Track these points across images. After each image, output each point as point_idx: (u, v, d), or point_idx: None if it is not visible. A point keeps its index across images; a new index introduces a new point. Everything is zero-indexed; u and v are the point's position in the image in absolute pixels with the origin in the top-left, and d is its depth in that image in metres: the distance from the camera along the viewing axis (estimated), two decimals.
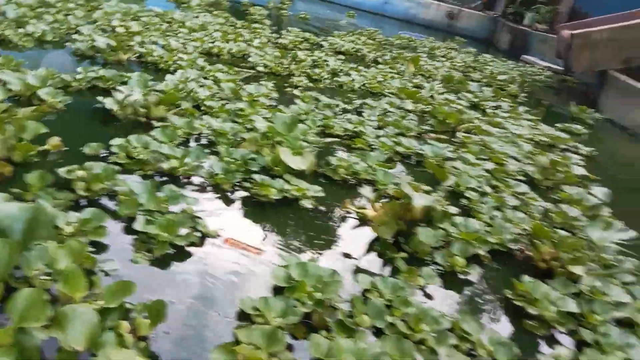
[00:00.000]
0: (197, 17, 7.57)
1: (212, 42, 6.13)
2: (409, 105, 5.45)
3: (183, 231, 2.25)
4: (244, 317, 1.88)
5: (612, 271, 2.66)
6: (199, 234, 2.33)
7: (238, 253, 2.32)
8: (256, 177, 2.92)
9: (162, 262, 2.13)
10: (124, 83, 3.96)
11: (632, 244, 3.13)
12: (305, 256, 2.42)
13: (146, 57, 4.98)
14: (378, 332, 1.97)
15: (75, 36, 5.04)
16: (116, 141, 2.88)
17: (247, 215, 2.70)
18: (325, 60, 6.49)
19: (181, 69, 4.67)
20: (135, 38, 5.37)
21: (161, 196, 2.44)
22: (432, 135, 4.85)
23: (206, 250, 2.30)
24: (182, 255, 2.21)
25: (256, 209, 2.77)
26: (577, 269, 2.55)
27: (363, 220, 2.89)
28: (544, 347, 2.17)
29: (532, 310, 2.26)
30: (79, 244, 1.83)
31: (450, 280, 2.48)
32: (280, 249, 2.47)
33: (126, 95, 3.40)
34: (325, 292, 2.00)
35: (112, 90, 3.68)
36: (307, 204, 2.91)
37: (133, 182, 2.50)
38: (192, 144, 3.38)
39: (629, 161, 5.97)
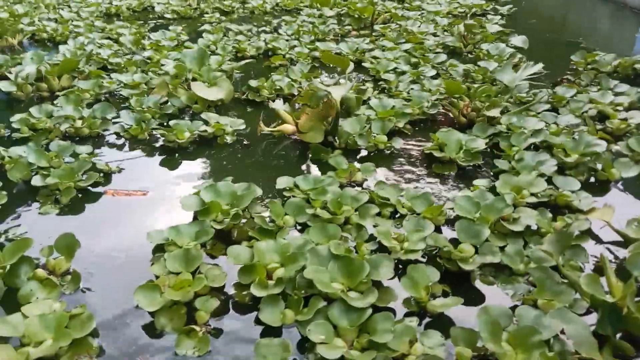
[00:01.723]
0: None
1: (109, 3, 5.81)
2: (327, 12, 5.35)
3: (84, 176, 2.24)
4: (158, 250, 1.82)
5: (526, 106, 2.75)
6: (101, 174, 2.33)
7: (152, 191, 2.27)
8: (172, 122, 2.76)
9: (72, 207, 2.12)
10: (19, 64, 3.75)
11: (544, 76, 3.24)
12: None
13: (40, 35, 4.71)
14: (303, 228, 1.95)
15: None
16: (16, 117, 2.77)
17: (162, 162, 2.55)
18: None
19: (80, 37, 4.44)
20: (23, 20, 5.04)
21: (51, 152, 2.40)
22: (354, 33, 4.79)
23: (114, 186, 2.29)
24: (92, 197, 2.20)
25: (171, 153, 2.62)
26: (494, 112, 2.63)
27: (286, 136, 2.76)
28: (460, 184, 2.26)
29: (441, 155, 2.35)
30: None
31: (378, 158, 2.53)
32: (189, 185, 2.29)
33: (18, 72, 3.23)
34: (240, 205, 1.96)
35: (7, 74, 3.49)
36: (228, 139, 2.73)
37: (17, 148, 2.42)
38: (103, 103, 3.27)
39: (546, 10, 6.03)
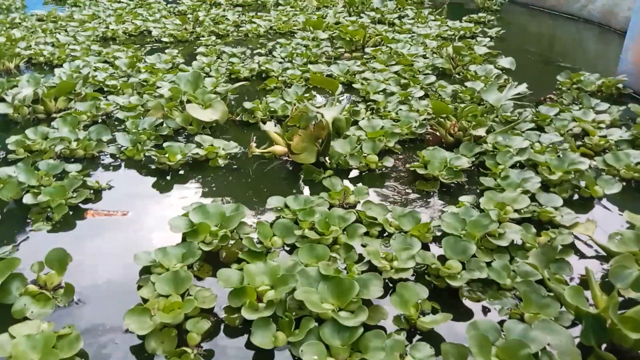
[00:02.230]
0: (85, 8, 7.24)
1: (106, 27, 5.90)
2: (321, 35, 5.46)
3: (75, 193, 2.30)
4: (145, 272, 1.81)
5: (512, 125, 2.82)
6: (91, 191, 2.39)
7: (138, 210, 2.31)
8: (165, 144, 2.78)
9: (64, 224, 2.16)
10: (16, 87, 3.80)
11: (529, 95, 3.32)
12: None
13: (37, 59, 4.77)
14: (292, 249, 1.96)
15: None
16: (12, 139, 2.80)
17: (154, 184, 2.57)
18: (224, 16, 6.38)
19: (77, 60, 4.51)
20: (20, 44, 5.10)
21: (40, 171, 2.47)
22: (347, 55, 4.90)
23: (105, 207, 2.33)
24: (82, 214, 2.25)
25: (163, 175, 2.64)
26: (480, 131, 2.70)
27: (277, 158, 2.79)
28: (444, 201, 2.31)
29: (424, 172, 2.42)
30: None
31: (368, 177, 2.57)
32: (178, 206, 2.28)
33: (15, 94, 3.28)
34: (229, 226, 1.96)
35: (4, 97, 3.55)
36: (220, 161, 2.74)
37: (7, 168, 2.46)
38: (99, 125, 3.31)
39: (533, 32, 6.20)
